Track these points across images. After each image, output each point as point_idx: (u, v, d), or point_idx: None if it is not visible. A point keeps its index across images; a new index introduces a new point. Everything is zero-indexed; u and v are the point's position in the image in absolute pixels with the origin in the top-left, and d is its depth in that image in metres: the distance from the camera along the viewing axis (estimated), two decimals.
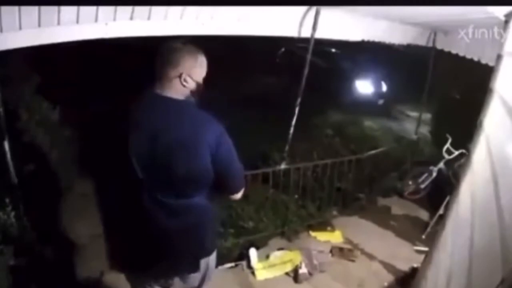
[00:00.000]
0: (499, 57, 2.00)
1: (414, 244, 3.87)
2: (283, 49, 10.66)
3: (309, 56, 3.56)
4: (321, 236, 3.89)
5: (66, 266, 2.86)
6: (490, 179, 1.54)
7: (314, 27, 3.37)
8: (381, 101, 8.83)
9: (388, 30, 4.13)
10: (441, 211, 3.98)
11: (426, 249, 3.47)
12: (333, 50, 9.39)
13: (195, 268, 1.76)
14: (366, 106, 7.77)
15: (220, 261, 2.64)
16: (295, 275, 3.28)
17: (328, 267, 3.44)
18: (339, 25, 3.74)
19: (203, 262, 1.77)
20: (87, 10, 2.32)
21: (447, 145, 4.42)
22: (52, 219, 3.30)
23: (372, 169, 4.71)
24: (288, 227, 3.80)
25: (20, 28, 2.11)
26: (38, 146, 3.71)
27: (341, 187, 4.28)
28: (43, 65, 4.68)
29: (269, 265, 3.36)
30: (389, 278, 3.39)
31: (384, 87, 8.99)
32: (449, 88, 5.82)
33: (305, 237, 3.88)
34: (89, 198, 3.79)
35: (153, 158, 1.53)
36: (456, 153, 4.30)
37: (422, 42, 4.63)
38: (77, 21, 2.31)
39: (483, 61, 3.66)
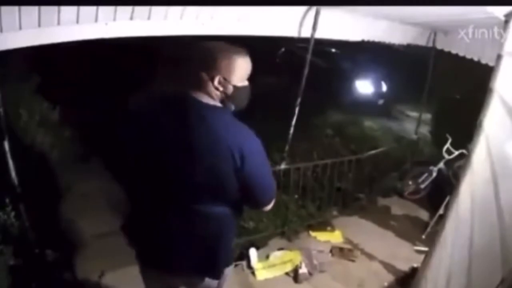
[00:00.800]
0: (499, 57, 2.01)
1: (414, 244, 3.87)
2: (283, 49, 10.64)
3: (309, 56, 3.56)
4: (321, 236, 3.89)
5: (66, 266, 2.86)
6: (490, 179, 1.54)
7: (314, 27, 3.37)
8: (381, 101, 8.82)
9: (388, 30, 4.13)
10: (441, 211, 3.98)
11: (426, 249, 3.46)
12: (333, 50, 9.38)
13: (219, 276, 1.68)
14: (366, 106, 7.77)
15: None
16: (295, 275, 3.28)
17: (328, 267, 3.44)
18: (339, 25, 3.73)
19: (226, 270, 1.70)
20: (87, 10, 2.32)
21: (447, 145, 4.42)
22: (52, 219, 3.30)
23: (372, 169, 4.71)
24: (288, 227, 3.80)
25: (20, 28, 2.10)
26: (38, 146, 3.71)
27: (341, 187, 4.28)
28: (43, 65, 4.68)
29: (269, 265, 3.36)
30: (389, 278, 3.39)
31: (384, 87, 8.98)
32: (449, 88, 5.83)
33: (305, 237, 3.88)
34: (89, 198, 3.80)
35: (170, 163, 1.43)
36: (456, 153, 4.30)
37: (422, 42, 4.63)
38: (77, 21, 2.31)
39: (483, 61, 3.66)
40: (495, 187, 1.44)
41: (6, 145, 2.37)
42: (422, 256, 2.87)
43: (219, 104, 1.45)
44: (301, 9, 3.33)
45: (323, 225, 4.04)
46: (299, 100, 3.57)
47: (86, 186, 3.95)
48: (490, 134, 1.91)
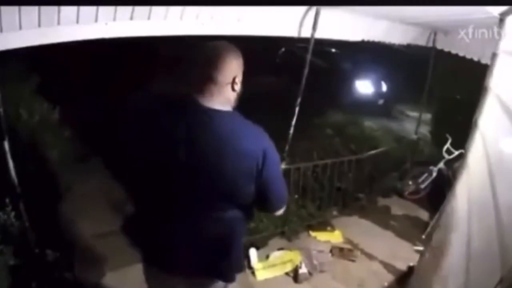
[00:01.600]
0: (494, 56, 2.00)
1: (414, 244, 3.87)
2: (283, 49, 10.64)
3: (309, 56, 3.56)
4: (321, 236, 3.89)
5: (66, 266, 2.86)
6: (487, 178, 1.54)
7: (314, 27, 3.37)
8: (381, 101, 8.82)
9: (388, 30, 4.13)
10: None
11: None
12: (333, 50, 9.37)
13: (233, 279, 1.67)
14: (366, 106, 7.76)
15: None
16: (295, 275, 3.28)
17: (328, 267, 3.45)
18: (339, 25, 3.73)
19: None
20: (87, 10, 2.32)
21: (447, 145, 4.43)
22: (52, 219, 3.30)
23: (372, 169, 4.71)
24: (288, 227, 3.80)
25: (20, 28, 2.10)
26: (38, 146, 3.71)
27: (341, 187, 4.29)
28: (43, 65, 4.68)
29: (269, 265, 3.36)
30: (389, 278, 3.40)
31: (384, 87, 8.98)
32: (449, 88, 5.82)
33: (305, 237, 3.89)
34: (89, 198, 3.80)
35: (185, 170, 1.37)
36: (456, 153, 4.30)
37: (422, 42, 4.63)
38: (77, 21, 2.31)
39: (483, 61, 3.66)
40: (492, 186, 1.44)
41: (6, 145, 2.37)
42: None
43: (229, 108, 1.41)
44: (301, 9, 3.33)
45: (323, 225, 4.05)
46: (299, 100, 3.57)
47: (86, 186, 3.95)
48: (485, 133, 1.91)
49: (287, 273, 3.33)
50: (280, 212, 1.60)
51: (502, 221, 1.20)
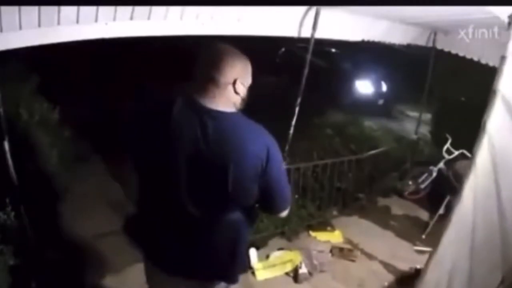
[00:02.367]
0: (503, 59, 1.98)
1: (414, 244, 3.87)
2: (283, 49, 10.64)
3: (309, 56, 3.56)
4: (321, 236, 3.89)
5: (66, 266, 2.86)
6: (492, 181, 1.54)
7: (314, 27, 3.37)
8: (381, 101, 8.83)
9: (388, 30, 4.13)
10: (441, 211, 3.98)
11: (426, 249, 3.47)
12: (333, 50, 9.38)
13: (236, 280, 1.67)
14: (366, 106, 7.77)
15: None
16: (295, 275, 3.28)
17: (328, 267, 3.44)
18: (339, 25, 3.73)
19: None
20: (87, 10, 2.32)
21: (447, 145, 4.42)
22: (52, 219, 3.30)
23: (372, 169, 4.71)
24: (288, 227, 3.80)
25: (20, 28, 2.10)
26: (38, 146, 3.71)
27: (341, 187, 4.28)
28: (43, 65, 4.69)
29: (269, 265, 3.36)
30: (389, 278, 3.39)
31: (384, 87, 8.99)
32: (449, 88, 5.82)
33: (305, 237, 3.88)
34: (89, 198, 3.80)
35: (188, 170, 1.37)
36: (456, 153, 4.30)
37: (422, 42, 4.62)
38: (77, 21, 2.31)
39: (483, 61, 3.67)
40: (497, 189, 1.44)
41: (6, 145, 2.37)
42: (421, 256, 2.88)
43: (233, 110, 1.41)
44: (301, 9, 3.33)
45: (323, 225, 4.04)
46: (299, 100, 3.57)
47: (86, 186, 3.95)
48: (493, 135, 1.90)
49: (287, 273, 3.32)
50: (284, 213, 1.59)
51: (506, 222, 1.20)
